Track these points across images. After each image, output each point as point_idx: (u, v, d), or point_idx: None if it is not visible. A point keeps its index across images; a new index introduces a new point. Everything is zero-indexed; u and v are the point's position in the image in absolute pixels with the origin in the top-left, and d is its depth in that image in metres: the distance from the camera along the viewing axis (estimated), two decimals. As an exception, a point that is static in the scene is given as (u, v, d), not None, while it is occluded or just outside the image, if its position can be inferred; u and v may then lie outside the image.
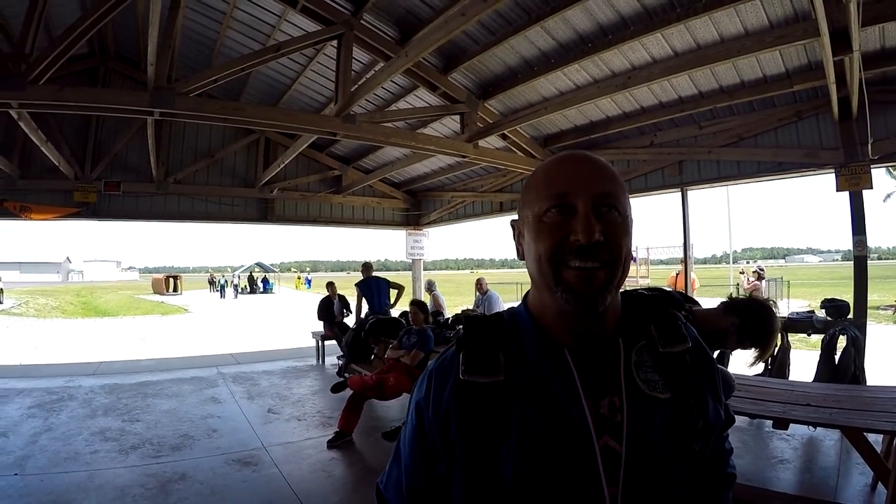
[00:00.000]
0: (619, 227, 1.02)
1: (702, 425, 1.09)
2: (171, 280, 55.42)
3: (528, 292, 1.19)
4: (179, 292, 52.87)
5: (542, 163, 1.16)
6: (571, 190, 1.03)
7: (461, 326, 1.25)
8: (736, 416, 4.74)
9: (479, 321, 1.17)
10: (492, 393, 1.05)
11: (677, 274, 11.91)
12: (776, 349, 2.89)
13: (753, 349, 2.79)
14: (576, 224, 1.00)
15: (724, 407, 1.28)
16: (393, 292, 11.54)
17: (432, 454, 1.13)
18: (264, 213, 13.43)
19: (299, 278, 74.67)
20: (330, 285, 12.55)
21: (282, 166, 11.08)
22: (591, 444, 1.00)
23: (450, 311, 12.04)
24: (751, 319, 2.74)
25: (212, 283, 58.53)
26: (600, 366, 1.07)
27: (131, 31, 9.38)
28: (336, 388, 7.48)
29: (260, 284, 59.32)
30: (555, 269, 1.02)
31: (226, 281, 55.04)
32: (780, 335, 3.00)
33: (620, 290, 1.17)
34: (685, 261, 9.39)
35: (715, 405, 1.16)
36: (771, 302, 2.90)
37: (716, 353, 3.23)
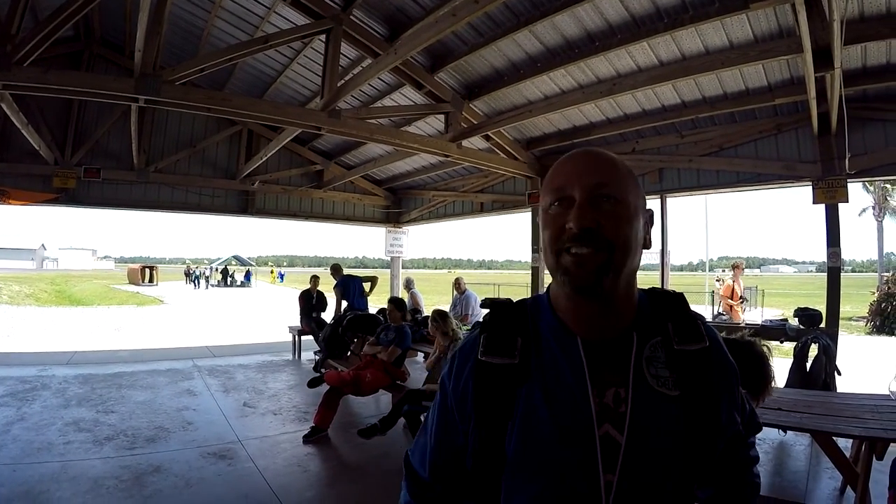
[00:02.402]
0: (615, 214, 1.07)
1: (712, 427, 1.11)
2: (147, 270, 54.89)
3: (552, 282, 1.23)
4: (155, 283, 52.36)
5: None
6: (568, 183, 1.10)
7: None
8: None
9: (503, 306, 1.24)
10: (505, 373, 1.13)
11: (733, 281, 11.73)
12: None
13: (745, 391, 2.80)
14: (571, 214, 1.07)
15: (749, 414, 1.38)
16: (366, 285, 11.68)
17: (452, 426, 1.22)
18: (244, 205, 13.37)
19: (273, 272, 74.53)
20: (314, 278, 12.51)
21: (264, 159, 11.05)
22: (592, 430, 1.05)
23: (427, 310, 12.09)
24: (740, 360, 2.73)
25: (188, 274, 58.13)
26: (611, 357, 1.10)
27: (118, 17, 9.31)
28: (313, 383, 7.48)
29: (237, 278, 58.95)
30: (557, 256, 1.09)
31: (199, 273, 54.80)
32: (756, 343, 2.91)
33: (647, 288, 1.25)
34: (662, 267, 9.46)
35: (730, 411, 1.19)
36: (765, 348, 2.85)
37: None
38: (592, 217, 1.05)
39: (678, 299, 1.21)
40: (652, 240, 1.20)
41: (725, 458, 1.27)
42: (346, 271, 11.81)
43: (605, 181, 1.08)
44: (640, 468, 1.04)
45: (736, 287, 11.42)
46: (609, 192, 1.08)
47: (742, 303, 11.61)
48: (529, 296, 1.30)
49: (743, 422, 1.29)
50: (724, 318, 10.77)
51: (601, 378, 1.09)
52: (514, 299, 1.28)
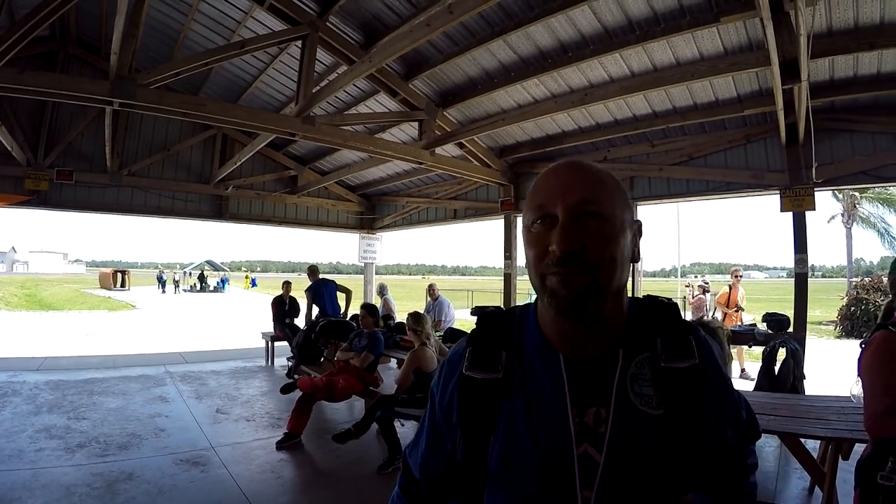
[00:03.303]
0: (600, 233, 1.03)
1: (697, 445, 1.08)
2: (119, 275, 54.26)
3: None
4: (127, 288, 51.78)
5: None
6: (549, 201, 1.06)
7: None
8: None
9: (491, 318, 1.22)
10: (488, 388, 1.13)
11: (731, 287, 11.56)
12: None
13: None
14: (553, 235, 1.03)
15: (747, 423, 1.37)
16: (341, 296, 11.52)
17: (441, 435, 1.24)
18: (218, 210, 13.29)
19: (247, 278, 74.10)
20: (286, 284, 12.45)
21: (238, 164, 11.01)
22: (571, 449, 1.05)
23: (400, 316, 12.07)
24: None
25: (160, 280, 57.64)
26: (595, 376, 1.09)
27: (94, 17, 9.26)
28: (285, 390, 7.45)
29: (213, 283, 58.46)
30: (542, 278, 1.05)
31: (164, 277, 54.54)
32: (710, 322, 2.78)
33: (641, 297, 1.23)
34: (634, 274, 9.53)
35: (720, 427, 1.18)
36: (718, 327, 2.78)
37: None
38: (576, 238, 1.01)
39: (670, 311, 1.18)
40: (640, 252, 1.17)
41: (719, 466, 1.27)
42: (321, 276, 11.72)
43: (589, 198, 1.04)
44: (618, 486, 1.04)
45: (733, 294, 11.33)
46: (594, 209, 1.04)
47: (738, 311, 11.36)
48: (518, 303, 1.30)
49: (738, 433, 1.29)
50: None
51: (583, 397, 1.08)
52: (504, 307, 1.29)
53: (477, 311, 1.28)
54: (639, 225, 1.17)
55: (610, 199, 1.07)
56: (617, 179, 1.14)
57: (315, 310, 11.02)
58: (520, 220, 10.91)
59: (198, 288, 56.17)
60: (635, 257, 1.13)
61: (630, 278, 1.17)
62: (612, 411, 1.06)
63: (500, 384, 1.12)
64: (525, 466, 1.07)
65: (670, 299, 1.23)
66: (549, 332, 1.14)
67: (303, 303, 11.87)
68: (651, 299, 1.22)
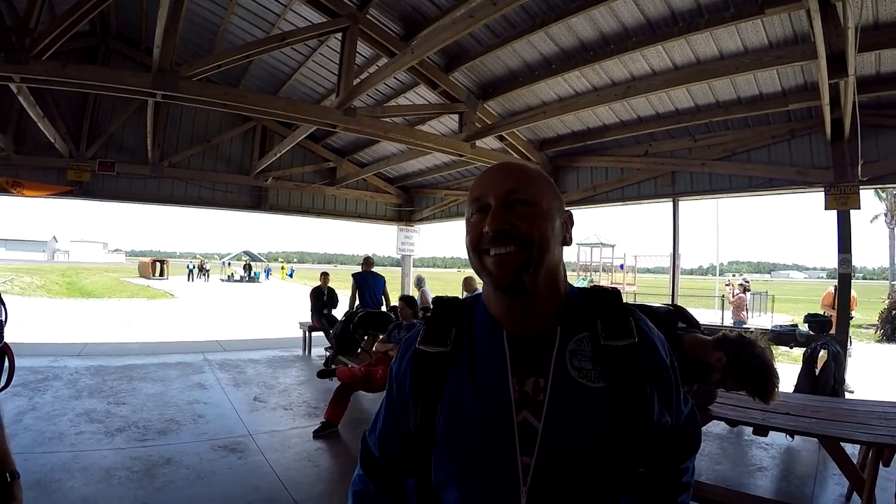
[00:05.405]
0: (528, 215, 1.17)
1: (640, 418, 1.15)
2: (158, 264, 54.98)
3: None
4: (166, 277, 52.55)
5: None
6: (483, 193, 1.22)
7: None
8: (717, 422, 4.78)
9: (444, 302, 1.35)
10: (437, 359, 1.24)
11: (835, 289, 10.65)
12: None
13: (747, 393, 2.58)
14: (487, 219, 1.17)
15: (687, 422, 1.41)
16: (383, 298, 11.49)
17: (397, 409, 1.34)
18: (257, 201, 13.46)
19: (284, 269, 75.00)
20: (324, 275, 12.53)
21: (278, 155, 11.10)
22: (510, 416, 1.13)
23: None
24: (738, 361, 2.55)
25: (201, 269, 58.50)
26: (535, 349, 1.18)
27: (133, 12, 9.43)
28: (322, 374, 7.49)
29: (260, 273, 59.60)
30: (479, 258, 1.20)
31: (194, 267, 56.35)
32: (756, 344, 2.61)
33: (586, 287, 1.33)
34: (673, 270, 9.42)
35: (661, 408, 1.22)
36: (768, 350, 2.65)
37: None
38: (505, 219, 1.15)
39: (610, 297, 1.27)
40: (573, 238, 1.30)
41: (653, 478, 1.31)
42: (358, 269, 11.69)
43: (516, 187, 1.19)
44: (557, 453, 1.11)
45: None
46: (521, 196, 1.18)
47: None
48: None
49: (677, 423, 1.33)
50: None
51: (523, 368, 1.17)
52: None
53: (434, 299, 1.36)
54: (569, 214, 1.31)
55: (536, 188, 1.21)
56: (546, 176, 1.31)
57: (357, 300, 11.03)
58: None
59: (236, 278, 57.00)
60: (566, 241, 1.27)
61: (562, 259, 1.28)
62: (551, 381, 1.15)
63: (448, 356, 1.24)
64: (468, 431, 1.16)
65: (615, 288, 1.35)
66: (494, 311, 1.25)
67: (341, 293, 11.92)
68: (597, 289, 1.31)
